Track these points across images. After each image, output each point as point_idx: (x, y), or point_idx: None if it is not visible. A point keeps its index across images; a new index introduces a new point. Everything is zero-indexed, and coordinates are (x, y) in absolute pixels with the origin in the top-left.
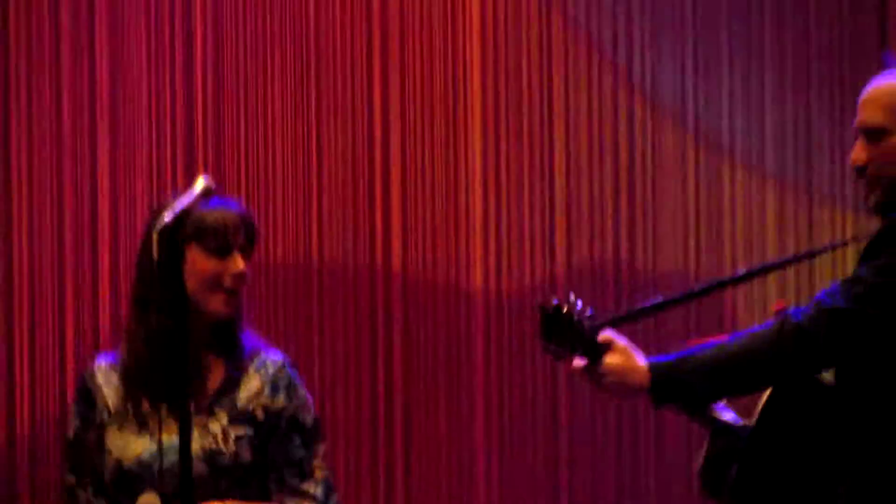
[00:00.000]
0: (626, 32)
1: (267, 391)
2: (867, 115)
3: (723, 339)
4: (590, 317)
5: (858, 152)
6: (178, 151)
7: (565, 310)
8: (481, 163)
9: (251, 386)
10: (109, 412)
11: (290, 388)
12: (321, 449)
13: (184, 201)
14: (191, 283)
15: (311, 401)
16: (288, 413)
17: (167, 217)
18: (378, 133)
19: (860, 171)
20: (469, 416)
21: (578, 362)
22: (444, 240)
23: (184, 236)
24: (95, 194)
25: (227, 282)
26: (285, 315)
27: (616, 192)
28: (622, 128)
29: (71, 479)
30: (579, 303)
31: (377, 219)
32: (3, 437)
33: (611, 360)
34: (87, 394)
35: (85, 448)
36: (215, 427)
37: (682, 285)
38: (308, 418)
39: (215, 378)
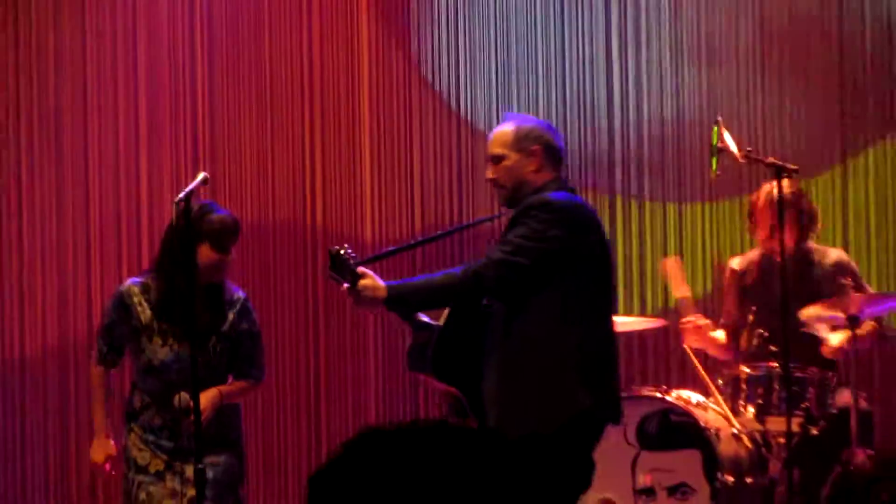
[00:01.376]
0: (455, 94)
1: (235, 319)
2: (492, 148)
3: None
4: (353, 258)
5: (489, 172)
6: (186, 157)
7: (341, 253)
8: (370, 165)
9: (231, 316)
10: (141, 323)
11: (249, 317)
12: (261, 349)
13: (191, 186)
14: (201, 263)
15: (257, 322)
16: (246, 332)
17: (181, 195)
18: (308, 150)
19: (492, 182)
20: (364, 319)
21: (345, 286)
22: (347, 208)
23: (200, 236)
24: (139, 186)
25: (222, 266)
26: (251, 257)
27: (450, 183)
28: (454, 145)
29: (104, 347)
30: (350, 250)
31: (307, 196)
32: (85, 331)
33: (363, 283)
34: (123, 302)
35: (115, 331)
36: (209, 344)
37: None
38: (256, 334)
39: (207, 316)
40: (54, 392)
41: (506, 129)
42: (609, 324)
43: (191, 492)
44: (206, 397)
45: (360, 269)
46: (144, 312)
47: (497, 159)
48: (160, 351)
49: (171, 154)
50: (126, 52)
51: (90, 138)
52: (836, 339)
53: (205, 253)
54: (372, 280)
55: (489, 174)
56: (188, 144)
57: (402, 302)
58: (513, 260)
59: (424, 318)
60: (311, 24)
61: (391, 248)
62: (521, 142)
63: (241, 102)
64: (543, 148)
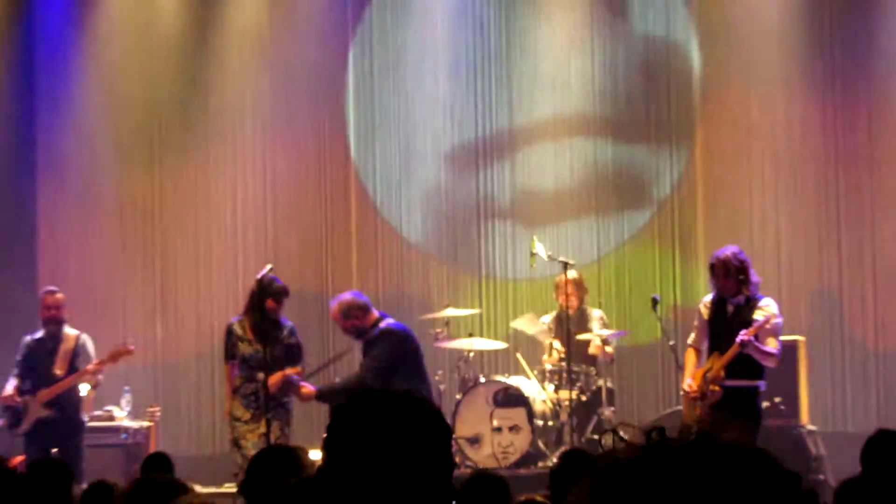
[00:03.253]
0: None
1: (287, 335)
2: (336, 319)
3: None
4: (297, 379)
5: (343, 330)
6: (260, 255)
7: (290, 380)
8: (356, 273)
9: (284, 333)
10: (237, 337)
11: (296, 336)
12: (303, 353)
13: (263, 270)
14: (269, 308)
15: (300, 339)
16: (296, 344)
17: (258, 276)
18: (325, 260)
19: (345, 332)
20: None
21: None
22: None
23: (268, 294)
24: (236, 268)
25: (279, 309)
26: (293, 310)
27: (388, 288)
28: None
29: (225, 351)
30: (296, 377)
31: (323, 279)
32: (209, 347)
33: (302, 392)
34: (231, 329)
35: (228, 346)
36: (271, 345)
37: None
38: (301, 345)
39: (274, 333)
40: (193, 382)
41: (334, 308)
42: (418, 382)
43: (262, 429)
44: (276, 376)
45: (302, 384)
46: (238, 331)
47: (341, 325)
48: (247, 349)
49: (254, 252)
50: (233, 199)
51: (213, 250)
52: (592, 345)
53: (269, 304)
54: (307, 389)
55: (344, 331)
56: (263, 249)
57: (324, 399)
58: (380, 366)
59: None
60: (326, 186)
61: (318, 367)
62: (345, 313)
63: (291, 230)
64: (360, 309)
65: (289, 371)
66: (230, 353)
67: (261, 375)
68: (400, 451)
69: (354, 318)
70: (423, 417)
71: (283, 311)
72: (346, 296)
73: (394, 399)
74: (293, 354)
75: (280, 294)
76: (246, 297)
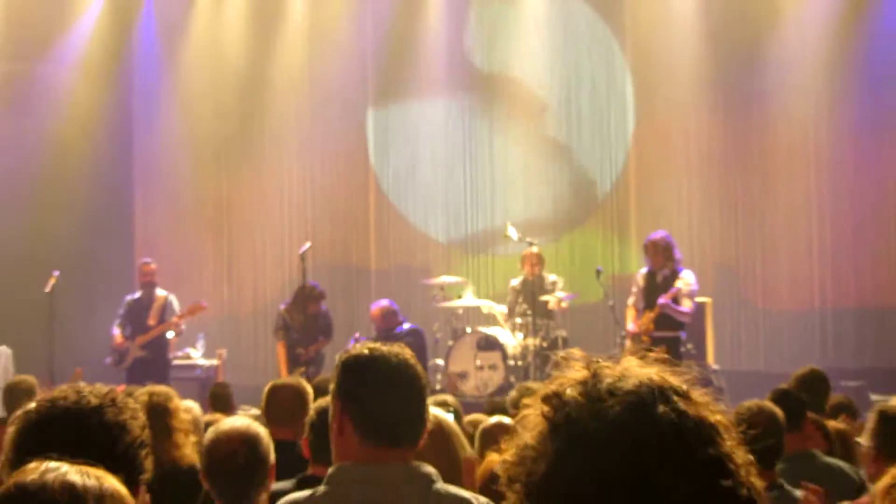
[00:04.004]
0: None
1: (322, 318)
2: (373, 319)
3: None
4: (358, 337)
5: (376, 327)
6: (302, 237)
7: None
8: (374, 247)
9: (319, 319)
10: (287, 322)
11: (327, 318)
12: (332, 328)
13: (304, 247)
14: (310, 308)
15: (331, 320)
16: (326, 324)
17: (300, 251)
18: (351, 233)
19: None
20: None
21: None
22: (363, 257)
23: (311, 299)
24: (282, 253)
25: (319, 306)
26: (322, 279)
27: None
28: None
29: (277, 330)
30: (358, 334)
31: (357, 248)
32: (263, 315)
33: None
34: (283, 316)
35: (283, 327)
36: (309, 333)
37: None
38: (330, 325)
39: (312, 322)
40: (251, 331)
41: (375, 311)
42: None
43: (302, 370)
44: (310, 349)
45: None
46: (289, 320)
47: (378, 323)
48: (294, 334)
49: (297, 234)
50: (280, 194)
51: (266, 231)
52: (552, 302)
53: (311, 306)
54: None
55: (377, 328)
56: (304, 231)
57: None
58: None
59: None
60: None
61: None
62: (384, 316)
63: (324, 217)
64: (394, 315)
65: (321, 341)
66: (281, 333)
67: (299, 349)
68: (389, 389)
69: (389, 322)
70: (407, 367)
71: (321, 305)
72: (384, 302)
73: (386, 354)
74: (325, 332)
75: (319, 299)
76: (293, 292)
